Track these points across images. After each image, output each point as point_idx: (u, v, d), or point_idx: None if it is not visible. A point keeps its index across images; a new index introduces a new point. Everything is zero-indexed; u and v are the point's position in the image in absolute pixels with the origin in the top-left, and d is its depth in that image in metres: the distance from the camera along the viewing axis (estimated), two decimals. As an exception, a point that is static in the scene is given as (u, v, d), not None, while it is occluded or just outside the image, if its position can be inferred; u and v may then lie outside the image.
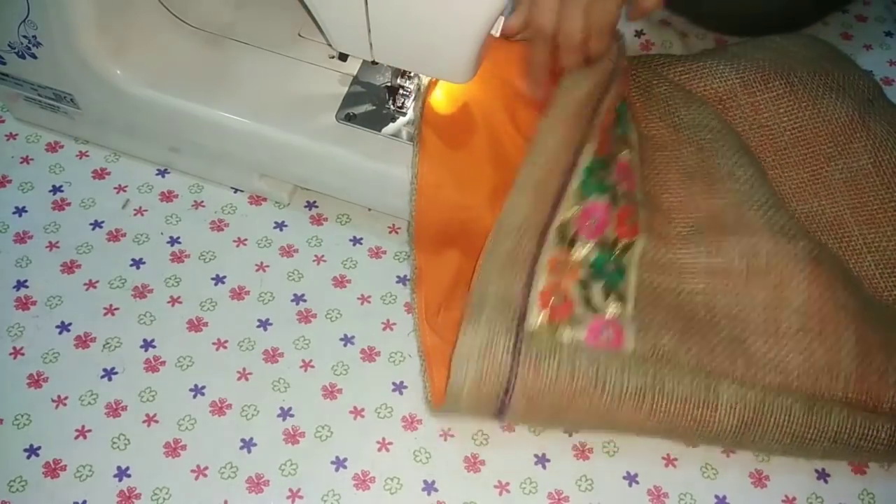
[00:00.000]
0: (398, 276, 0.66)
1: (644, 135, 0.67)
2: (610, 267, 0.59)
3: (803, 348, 0.57)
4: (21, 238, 0.66)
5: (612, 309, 0.58)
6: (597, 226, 0.59)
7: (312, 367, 0.62)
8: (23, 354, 0.60)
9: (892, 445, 0.57)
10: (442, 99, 0.63)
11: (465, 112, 0.63)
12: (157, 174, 0.71)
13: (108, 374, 0.60)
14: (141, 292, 0.64)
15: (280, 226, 0.69)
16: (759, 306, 0.59)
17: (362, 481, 0.57)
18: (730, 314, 0.59)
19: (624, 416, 0.55)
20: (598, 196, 0.60)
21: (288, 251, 0.67)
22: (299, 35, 0.68)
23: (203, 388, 0.60)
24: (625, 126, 0.66)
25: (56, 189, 0.69)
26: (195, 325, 0.63)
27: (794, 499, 0.58)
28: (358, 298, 0.65)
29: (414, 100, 0.65)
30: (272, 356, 0.62)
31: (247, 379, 0.61)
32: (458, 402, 0.55)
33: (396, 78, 0.65)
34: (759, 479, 0.58)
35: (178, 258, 0.66)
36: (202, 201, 0.69)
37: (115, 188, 0.70)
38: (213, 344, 0.62)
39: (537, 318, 0.56)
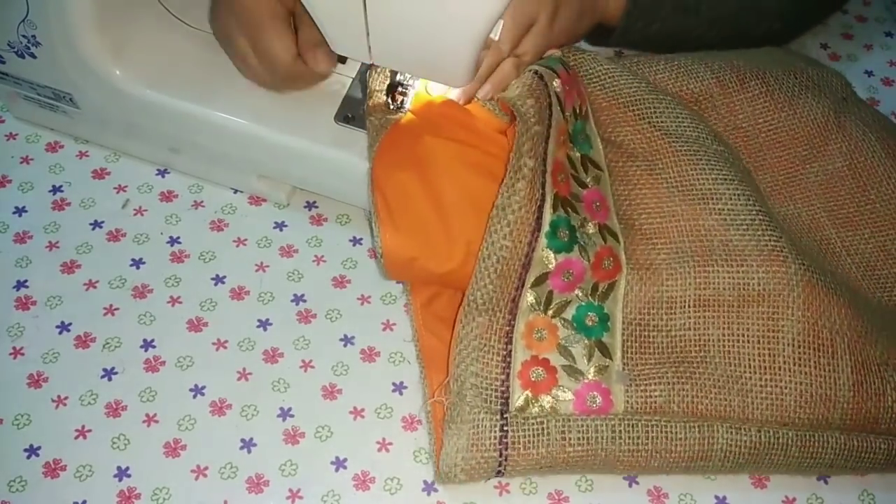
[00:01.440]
0: (398, 277, 0.66)
1: (613, 141, 0.64)
2: (591, 319, 0.57)
3: (799, 381, 0.56)
4: (21, 238, 0.66)
5: (594, 370, 0.56)
6: (573, 279, 0.57)
7: (312, 367, 0.62)
8: (23, 354, 0.60)
9: (890, 461, 0.56)
10: (394, 158, 0.60)
11: (423, 167, 0.60)
12: (157, 174, 0.71)
13: (108, 374, 0.60)
14: (141, 292, 0.64)
15: (280, 226, 0.69)
16: (753, 339, 0.57)
17: (362, 481, 0.57)
18: (723, 349, 0.57)
19: (621, 470, 0.56)
20: (568, 253, 0.57)
21: (288, 251, 0.67)
22: (299, 35, 0.68)
23: (203, 388, 0.60)
24: (584, 144, 0.62)
25: (56, 189, 0.69)
26: (195, 325, 0.63)
27: (794, 499, 0.58)
28: (358, 298, 0.65)
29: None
30: (272, 356, 0.62)
31: (247, 379, 0.61)
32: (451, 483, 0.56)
33: (395, 76, 0.65)
34: (759, 480, 0.58)
35: (178, 258, 0.66)
36: (202, 201, 0.69)
37: (115, 188, 0.70)
38: (213, 344, 0.62)
39: (519, 399, 0.55)
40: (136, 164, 0.71)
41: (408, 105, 0.64)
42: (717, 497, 0.58)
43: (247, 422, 0.59)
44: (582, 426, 0.54)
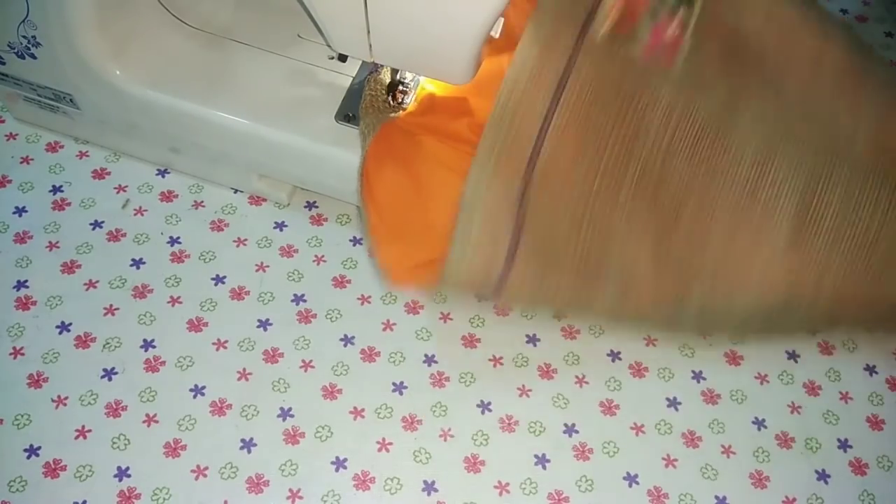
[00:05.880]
0: (398, 277, 0.66)
1: None
2: None
3: (832, 94, 0.58)
4: (21, 238, 0.66)
5: (681, 12, 0.57)
6: None
7: (312, 367, 0.62)
8: (23, 354, 0.60)
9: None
10: (386, 153, 0.60)
11: (415, 166, 0.60)
12: (157, 174, 0.71)
13: (108, 374, 0.60)
14: (141, 292, 0.64)
15: (280, 226, 0.69)
16: (803, 55, 0.59)
17: (362, 481, 0.57)
18: (776, 58, 0.59)
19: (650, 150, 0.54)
20: None
21: (288, 251, 0.67)
22: (299, 36, 0.68)
23: (203, 388, 0.60)
24: None
25: (56, 189, 0.69)
26: (195, 325, 0.63)
27: (794, 499, 0.58)
28: (358, 298, 0.65)
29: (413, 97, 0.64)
30: (272, 356, 0.62)
31: (247, 379, 0.61)
32: (487, 163, 0.54)
33: (396, 74, 0.65)
34: (759, 480, 0.58)
35: (178, 258, 0.66)
36: (202, 201, 0.70)
37: (115, 188, 0.70)
38: (213, 344, 0.62)
39: (602, 24, 0.55)
40: (136, 164, 0.71)
41: (408, 103, 0.64)
42: (717, 497, 0.58)
43: (247, 422, 0.59)
44: (638, 69, 0.55)
